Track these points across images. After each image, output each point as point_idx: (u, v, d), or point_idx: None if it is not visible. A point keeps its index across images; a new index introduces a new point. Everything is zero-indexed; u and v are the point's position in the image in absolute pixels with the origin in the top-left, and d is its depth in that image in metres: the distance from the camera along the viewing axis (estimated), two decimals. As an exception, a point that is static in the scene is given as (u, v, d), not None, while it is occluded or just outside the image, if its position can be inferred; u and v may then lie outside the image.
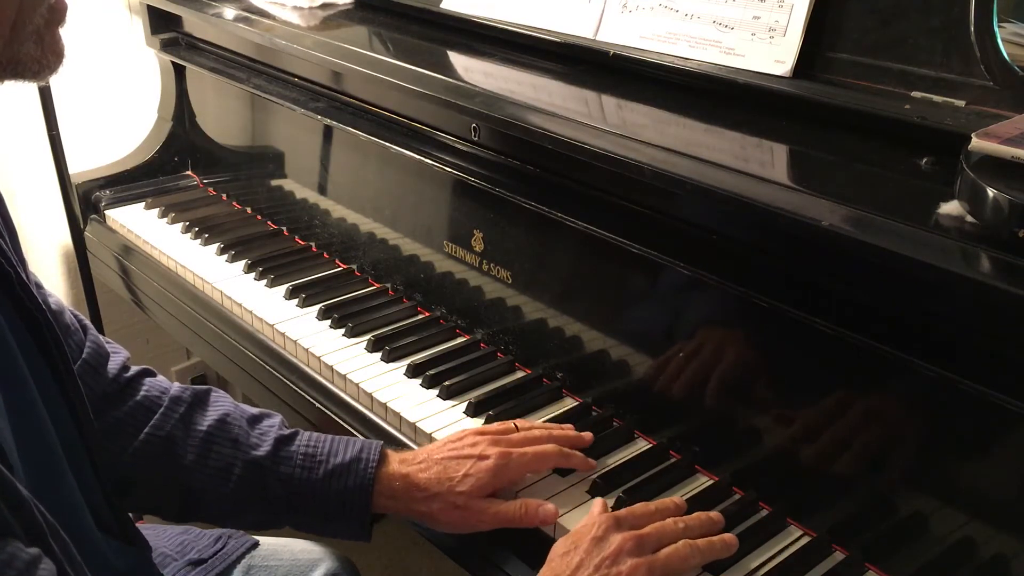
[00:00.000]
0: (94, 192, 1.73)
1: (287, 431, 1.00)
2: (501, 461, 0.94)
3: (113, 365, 1.02)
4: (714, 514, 0.90)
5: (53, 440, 0.80)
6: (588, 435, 1.02)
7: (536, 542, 0.94)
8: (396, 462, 0.97)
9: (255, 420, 1.01)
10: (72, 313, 1.01)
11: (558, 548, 0.83)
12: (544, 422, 1.05)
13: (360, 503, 0.95)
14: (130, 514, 0.93)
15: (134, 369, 1.04)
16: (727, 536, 0.87)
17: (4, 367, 0.75)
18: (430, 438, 1.06)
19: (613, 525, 0.83)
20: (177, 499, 0.99)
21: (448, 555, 1.03)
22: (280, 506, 0.97)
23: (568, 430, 1.03)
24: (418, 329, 1.27)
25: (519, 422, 1.03)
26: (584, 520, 0.87)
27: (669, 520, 0.87)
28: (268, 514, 0.98)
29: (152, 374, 1.05)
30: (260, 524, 1.00)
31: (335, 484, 0.95)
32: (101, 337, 1.04)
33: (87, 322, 1.04)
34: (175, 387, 1.03)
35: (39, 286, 0.95)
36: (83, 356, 0.98)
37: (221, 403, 1.02)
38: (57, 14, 0.70)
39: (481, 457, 0.94)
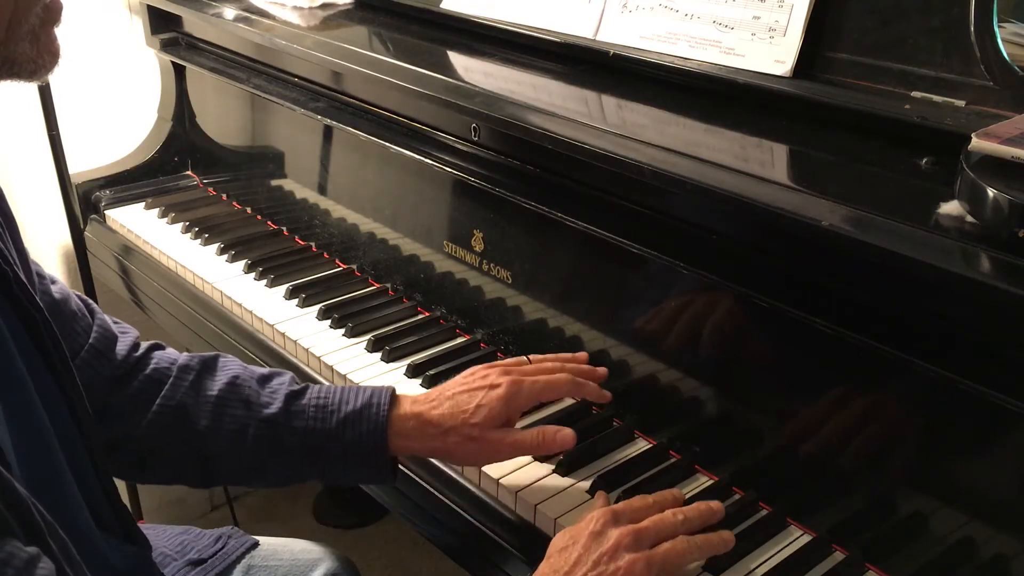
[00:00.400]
0: (94, 192, 1.73)
1: (297, 386, 1.00)
2: (512, 389, 0.94)
3: (122, 346, 1.01)
4: (714, 503, 0.89)
5: (51, 439, 0.80)
6: (602, 369, 1.02)
7: (539, 544, 0.94)
8: (408, 403, 0.97)
9: (265, 379, 1.00)
10: (79, 297, 1.01)
11: (556, 543, 0.83)
12: (552, 356, 1.04)
13: (377, 446, 0.94)
14: (130, 512, 0.93)
15: (144, 346, 1.03)
16: (724, 533, 0.87)
17: (1, 366, 0.75)
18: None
19: (611, 520, 0.83)
20: (197, 466, 0.98)
21: (448, 555, 1.03)
22: (299, 460, 0.97)
23: (581, 361, 1.02)
24: (418, 329, 1.27)
25: (532, 356, 1.02)
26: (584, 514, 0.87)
27: (668, 512, 0.86)
28: (290, 469, 0.98)
29: (161, 347, 1.04)
30: (285, 479, 1.00)
31: (349, 432, 0.94)
32: (108, 319, 1.04)
33: (95, 305, 1.03)
34: (183, 356, 1.02)
35: (41, 276, 0.95)
36: (90, 341, 0.98)
37: (230, 367, 1.01)
38: (52, 13, 0.70)
39: (492, 387, 0.94)
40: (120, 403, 0.98)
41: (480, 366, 1.00)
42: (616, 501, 0.95)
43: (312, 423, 0.96)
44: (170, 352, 1.04)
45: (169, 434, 0.97)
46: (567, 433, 0.93)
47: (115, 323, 1.04)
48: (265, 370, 1.02)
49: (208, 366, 1.01)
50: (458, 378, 0.99)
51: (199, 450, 0.97)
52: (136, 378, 0.99)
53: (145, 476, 1.01)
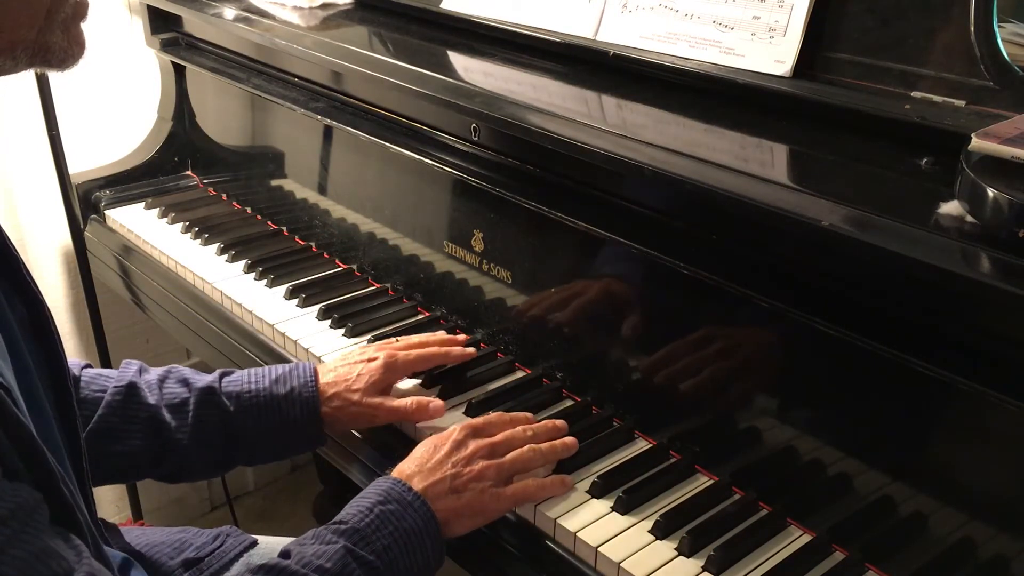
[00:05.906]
0: (94, 192, 1.73)
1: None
2: (389, 360, 1.10)
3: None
4: (559, 422, 1.04)
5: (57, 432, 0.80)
6: (462, 337, 1.18)
7: (540, 544, 0.94)
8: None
9: (195, 372, 1.11)
10: None
11: (420, 446, 0.97)
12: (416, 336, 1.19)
13: (309, 396, 1.06)
14: (102, 525, 0.93)
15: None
16: (568, 439, 1.01)
17: (14, 353, 0.75)
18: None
19: (471, 433, 0.98)
20: (152, 441, 1.04)
21: (448, 555, 1.03)
22: (238, 422, 1.05)
23: (440, 336, 1.20)
24: (418, 329, 1.27)
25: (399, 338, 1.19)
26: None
27: (519, 428, 1.01)
28: (228, 431, 1.06)
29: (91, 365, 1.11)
30: (227, 454, 1.08)
31: (281, 387, 1.06)
32: None
33: None
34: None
35: None
36: None
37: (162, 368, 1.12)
38: (81, 8, 0.75)
39: (370, 360, 1.10)
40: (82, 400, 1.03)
41: (358, 347, 1.16)
42: (616, 501, 0.96)
43: (246, 385, 1.07)
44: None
45: (123, 411, 1.04)
46: (437, 404, 1.07)
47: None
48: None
49: (144, 367, 1.11)
50: (338, 357, 1.13)
51: (151, 423, 1.04)
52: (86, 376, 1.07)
53: (102, 466, 1.03)
